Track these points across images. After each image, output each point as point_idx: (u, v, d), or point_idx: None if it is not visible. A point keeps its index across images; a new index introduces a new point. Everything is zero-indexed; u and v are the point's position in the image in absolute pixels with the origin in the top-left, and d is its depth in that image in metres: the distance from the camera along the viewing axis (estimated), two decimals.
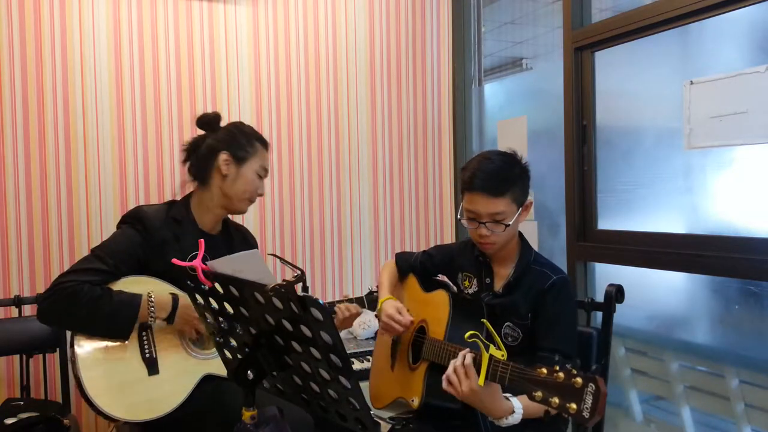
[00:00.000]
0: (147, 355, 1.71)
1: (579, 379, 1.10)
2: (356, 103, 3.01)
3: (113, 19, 2.54)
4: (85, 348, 1.68)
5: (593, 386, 1.08)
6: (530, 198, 1.67)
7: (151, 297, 1.71)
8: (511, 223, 1.59)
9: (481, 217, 1.59)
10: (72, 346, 1.69)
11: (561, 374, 1.13)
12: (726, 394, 2.04)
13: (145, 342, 1.73)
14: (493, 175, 1.59)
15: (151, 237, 1.78)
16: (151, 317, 1.71)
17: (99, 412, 1.63)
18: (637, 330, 2.35)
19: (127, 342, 1.71)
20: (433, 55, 3.19)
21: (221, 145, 1.88)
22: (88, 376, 1.64)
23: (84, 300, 1.64)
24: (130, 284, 1.74)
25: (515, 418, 1.37)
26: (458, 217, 1.70)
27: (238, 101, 2.76)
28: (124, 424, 1.79)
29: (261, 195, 1.95)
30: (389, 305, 1.74)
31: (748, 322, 2.01)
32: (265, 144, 1.96)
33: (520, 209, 1.63)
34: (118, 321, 1.68)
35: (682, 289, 2.22)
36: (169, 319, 1.73)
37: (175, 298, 1.74)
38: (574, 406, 1.09)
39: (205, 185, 1.90)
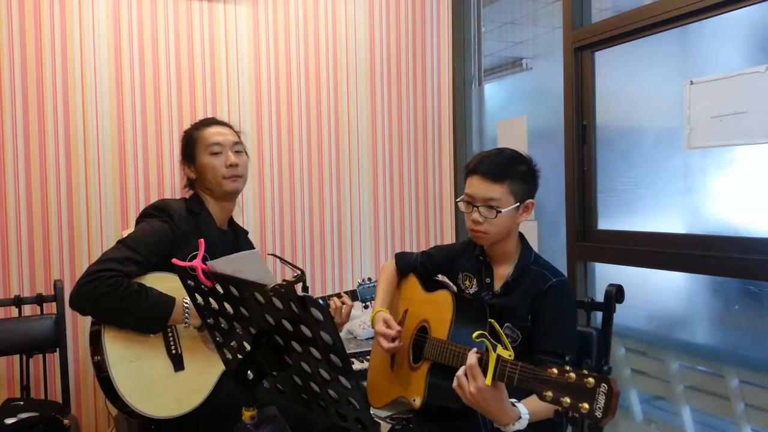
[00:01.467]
0: (173, 352, 1.74)
1: (591, 380, 1.10)
2: (356, 103, 3.01)
3: (113, 19, 2.54)
4: (114, 347, 1.69)
5: (606, 386, 1.08)
6: (533, 200, 1.67)
7: (186, 303, 1.74)
8: (503, 211, 1.59)
9: (476, 200, 1.62)
10: (101, 344, 1.68)
11: (572, 374, 1.13)
12: (726, 394, 2.04)
13: (171, 338, 1.75)
14: (496, 162, 1.63)
15: (178, 228, 1.82)
16: (186, 323, 1.75)
17: (130, 411, 1.64)
18: (637, 330, 2.35)
19: (153, 338, 1.74)
20: (433, 55, 3.19)
21: (180, 161, 2.03)
22: (118, 375, 1.65)
23: (121, 293, 1.66)
24: (156, 281, 1.76)
25: (522, 424, 1.36)
26: (457, 200, 1.72)
27: (238, 101, 2.76)
28: (126, 419, 1.80)
29: (234, 165, 1.93)
30: (378, 318, 1.77)
31: (748, 322, 2.01)
32: (204, 124, 2.00)
33: (519, 205, 1.63)
34: (151, 320, 1.72)
35: (682, 289, 2.22)
36: (201, 327, 1.77)
37: None
38: (586, 406, 1.09)
39: (196, 191, 2.00)
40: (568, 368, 1.14)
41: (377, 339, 1.76)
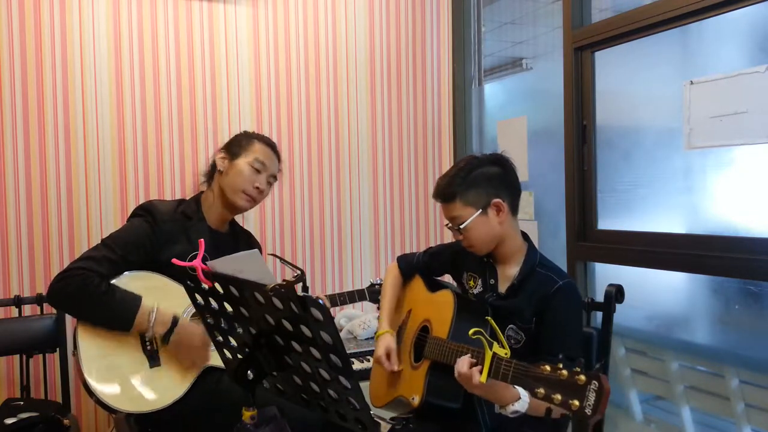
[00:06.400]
0: (148, 347, 1.74)
1: (582, 377, 1.11)
2: (356, 103, 3.01)
3: (113, 19, 2.54)
4: (88, 341, 1.71)
5: (596, 384, 1.09)
6: (498, 199, 1.61)
7: (153, 312, 1.73)
8: (463, 225, 1.61)
9: (447, 222, 1.69)
10: (75, 338, 1.71)
11: (564, 372, 1.14)
12: (726, 394, 2.04)
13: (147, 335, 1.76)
14: (443, 183, 1.67)
15: (159, 228, 1.84)
16: (149, 332, 1.74)
17: (101, 404, 1.65)
18: (637, 330, 2.35)
19: (129, 335, 1.74)
20: (433, 55, 3.19)
21: (222, 147, 2.01)
22: (90, 369, 1.67)
23: (90, 291, 1.69)
24: (133, 280, 1.77)
25: (522, 405, 1.39)
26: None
27: (238, 101, 2.76)
28: (126, 419, 1.81)
29: (260, 190, 1.94)
30: (382, 343, 1.80)
31: (748, 322, 2.01)
32: (266, 143, 2.00)
33: (484, 210, 1.61)
34: (117, 321, 1.73)
35: (682, 289, 2.22)
36: (165, 338, 1.75)
37: (174, 321, 1.74)
38: (576, 402, 1.10)
39: (210, 185, 2.00)
40: (560, 366, 1.15)
41: (375, 359, 1.81)
